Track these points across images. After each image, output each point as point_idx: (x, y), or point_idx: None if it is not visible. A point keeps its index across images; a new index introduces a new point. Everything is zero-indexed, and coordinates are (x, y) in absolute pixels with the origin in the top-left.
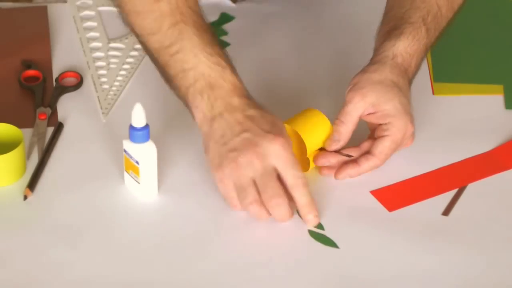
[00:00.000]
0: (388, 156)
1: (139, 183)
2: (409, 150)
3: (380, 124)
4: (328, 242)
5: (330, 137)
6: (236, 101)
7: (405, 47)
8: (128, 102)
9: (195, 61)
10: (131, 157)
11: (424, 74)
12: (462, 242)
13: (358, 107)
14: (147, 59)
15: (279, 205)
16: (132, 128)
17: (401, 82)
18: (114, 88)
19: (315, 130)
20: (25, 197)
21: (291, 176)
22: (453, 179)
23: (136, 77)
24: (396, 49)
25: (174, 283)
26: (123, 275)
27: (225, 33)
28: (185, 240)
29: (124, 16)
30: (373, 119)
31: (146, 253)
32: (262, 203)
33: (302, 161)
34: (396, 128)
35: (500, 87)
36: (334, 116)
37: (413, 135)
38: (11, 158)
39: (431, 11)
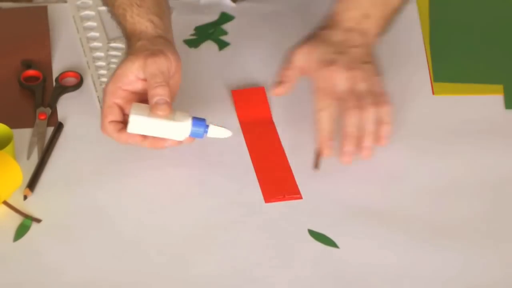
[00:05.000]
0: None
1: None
2: (409, 150)
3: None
4: (328, 242)
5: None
6: None
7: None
8: None
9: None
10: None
11: (424, 74)
12: (462, 242)
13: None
14: None
15: None
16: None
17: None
18: None
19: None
20: (25, 197)
21: None
22: None
23: None
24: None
25: (174, 283)
26: (122, 275)
27: (225, 33)
28: (185, 240)
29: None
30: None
31: (146, 253)
32: None
33: None
34: (319, 79)
35: (500, 87)
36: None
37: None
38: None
39: None
